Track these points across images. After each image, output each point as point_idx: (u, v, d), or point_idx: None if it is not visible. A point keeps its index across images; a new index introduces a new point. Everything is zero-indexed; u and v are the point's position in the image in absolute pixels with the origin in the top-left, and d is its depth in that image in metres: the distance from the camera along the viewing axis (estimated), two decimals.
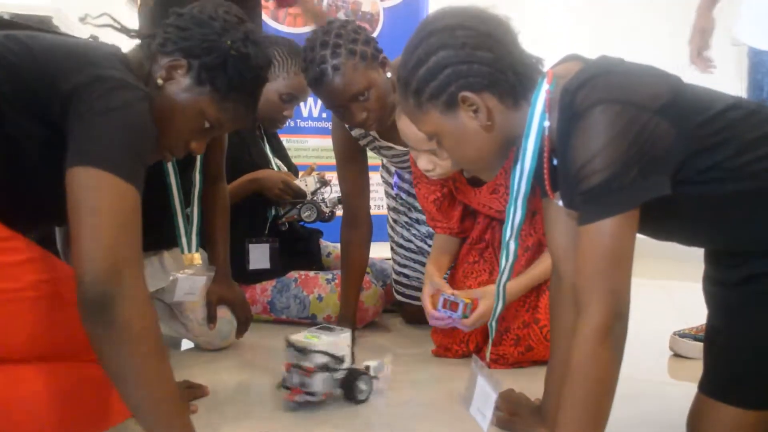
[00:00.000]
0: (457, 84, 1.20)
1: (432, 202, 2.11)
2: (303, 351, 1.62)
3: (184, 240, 1.86)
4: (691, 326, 2.16)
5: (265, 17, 3.62)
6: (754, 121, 1.18)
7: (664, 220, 1.19)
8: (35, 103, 1.21)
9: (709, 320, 1.37)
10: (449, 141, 1.28)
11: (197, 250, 1.89)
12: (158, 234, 1.81)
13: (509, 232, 1.34)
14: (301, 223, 2.53)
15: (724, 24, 2.48)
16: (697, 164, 1.15)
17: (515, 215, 1.29)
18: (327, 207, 2.45)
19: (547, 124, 1.20)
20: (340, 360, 1.64)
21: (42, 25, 2.11)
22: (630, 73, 1.19)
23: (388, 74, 1.94)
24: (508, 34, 1.23)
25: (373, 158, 2.36)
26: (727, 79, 2.37)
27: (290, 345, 1.63)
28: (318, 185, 2.47)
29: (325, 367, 1.62)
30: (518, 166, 1.25)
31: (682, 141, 1.13)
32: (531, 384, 1.63)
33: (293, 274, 2.44)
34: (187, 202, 1.87)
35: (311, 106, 3.64)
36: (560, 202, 1.29)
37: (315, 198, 2.43)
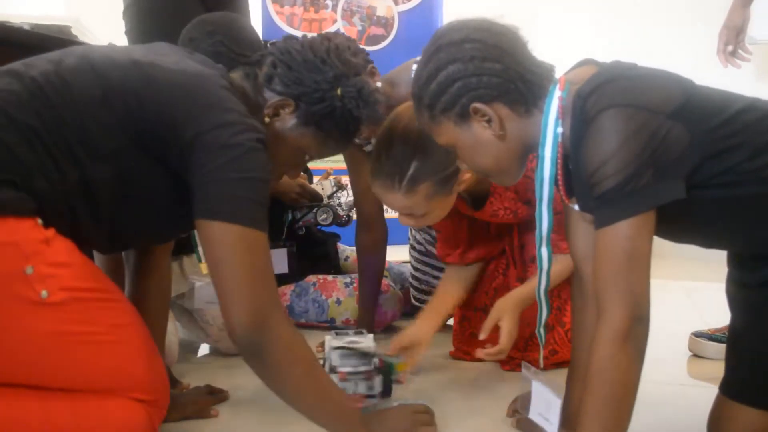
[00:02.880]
0: (468, 96, 1.21)
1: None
2: (365, 355, 1.64)
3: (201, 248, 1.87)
4: (710, 327, 2.14)
5: (280, 22, 3.64)
6: None
7: (682, 224, 1.19)
8: (153, 143, 1.25)
9: (732, 322, 1.36)
10: (465, 151, 1.29)
11: None
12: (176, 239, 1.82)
13: (539, 240, 1.33)
14: (318, 227, 2.54)
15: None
16: (712, 168, 1.14)
17: (542, 222, 1.29)
18: (343, 210, 2.46)
19: (560, 130, 1.20)
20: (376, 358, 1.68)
21: (61, 34, 2.14)
22: (642, 78, 1.19)
23: (378, 83, 1.93)
24: (517, 43, 1.24)
25: None
26: (744, 80, 2.36)
27: (342, 349, 1.64)
28: (334, 189, 2.48)
29: (377, 369, 1.66)
30: (538, 174, 1.25)
31: (696, 145, 1.13)
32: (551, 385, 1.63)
33: (312, 278, 2.45)
34: None
35: None
36: (576, 207, 1.29)
37: (331, 202, 2.45)
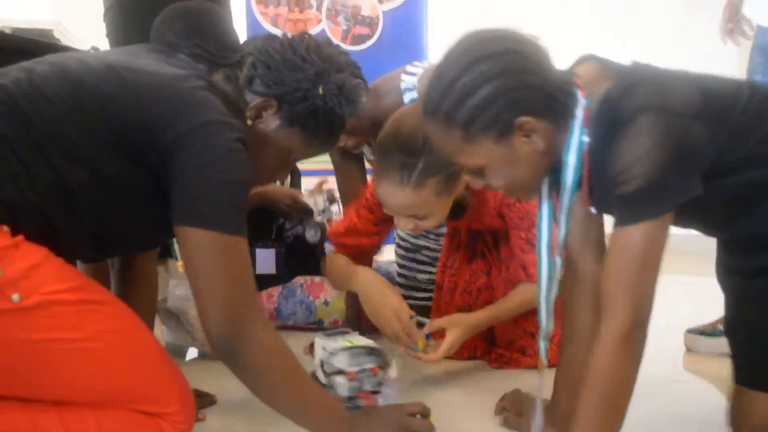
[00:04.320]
0: (513, 111, 1.16)
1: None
2: (374, 352, 1.64)
3: (177, 246, 1.86)
4: (704, 323, 2.16)
5: (264, 22, 3.63)
6: None
7: (688, 208, 1.20)
8: (132, 147, 1.23)
9: (728, 311, 1.39)
10: (499, 169, 1.23)
11: None
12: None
13: (555, 248, 1.31)
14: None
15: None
16: (725, 159, 1.19)
17: (560, 231, 1.29)
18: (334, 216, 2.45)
19: (586, 139, 1.20)
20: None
21: (43, 38, 2.13)
22: (667, 80, 1.22)
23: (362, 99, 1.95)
24: (545, 54, 1.20)
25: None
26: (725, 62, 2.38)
27: (351, 349, 1.63)
28: (327, 203, 2.47)
29: (383, 362, 1.67)
30: (561, 182, 1.24)
31: (714, 141, 1.17)
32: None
33: (299, 280, 2.44)
34: None
35: None
36: (593, 209, 1.31)
37: (321, 218, 2.44)
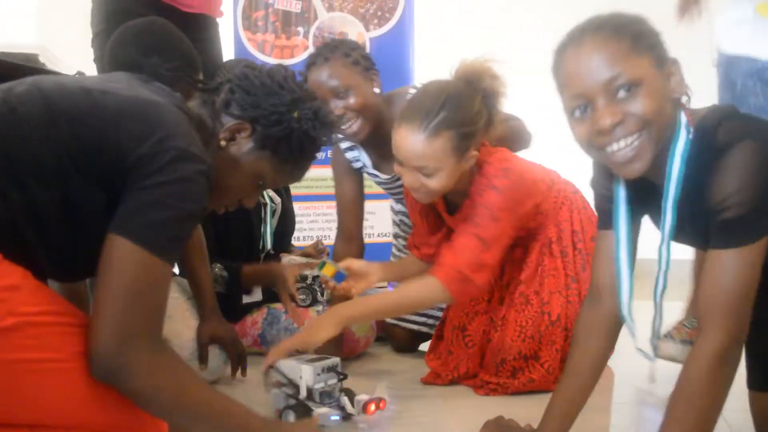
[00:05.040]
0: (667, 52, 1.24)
1: (418, 212, 2.13)
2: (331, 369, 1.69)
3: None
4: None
5: (251, 48, 3.64)
6: None
7: None
8: (100, 168, 1.21)
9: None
10: (653, 91, 1.21)
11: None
12: None
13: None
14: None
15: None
16: None
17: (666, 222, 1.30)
18: (321, 297, 2.42)
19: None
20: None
21: (28, 62, 2.12)
22: (751, 117, 1.31)
23: (376, 90, 2.12)
24: None
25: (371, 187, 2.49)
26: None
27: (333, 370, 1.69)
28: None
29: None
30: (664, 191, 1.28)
31: None
32: (522, 410, 1.62)
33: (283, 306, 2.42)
34: None
35: None
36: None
37: (314, 283, 2.43)
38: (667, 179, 1.26)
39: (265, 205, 2.47)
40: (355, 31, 3.68)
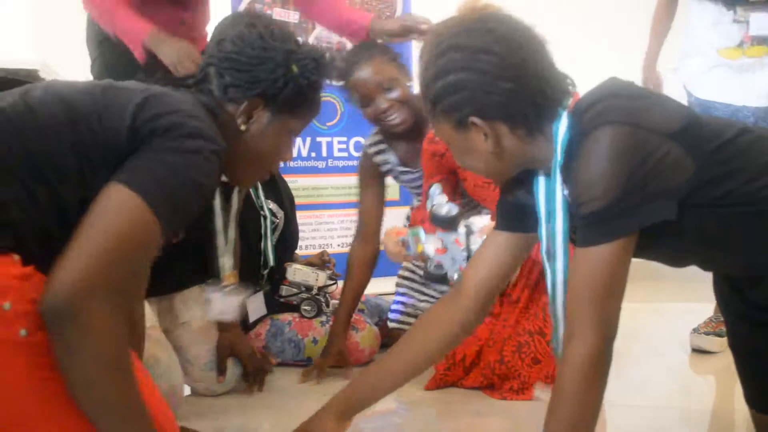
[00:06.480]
0: (470, 109, 1.18)
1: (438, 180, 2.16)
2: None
3: (224, 260, 1.94)
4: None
5: None
6: (765, 144, 1.19)
7: (682, 247, 1.20)
8: (120, 162, 1.17)
9: (733, 334, 1.43)
10: (457, 151, 1.27)
11: (235, 269, 1.98)
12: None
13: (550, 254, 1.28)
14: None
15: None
16: (710, 191, 1.14)
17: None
18: (326, 309, 2.44)
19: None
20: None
21: (30, 78, 2.13)
22: (641, 97, 1.19)
23: (409, 84, 2.23)
24: (539, 57, 1.19)
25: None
26: None
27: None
28: (327, 282, 2.50)
29: None
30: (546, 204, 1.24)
31: (695, 168, 1.13)
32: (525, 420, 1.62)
33: (287, 317, 2.43)
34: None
35: (300, 146, 3.66)
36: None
37: (319, 295, 2.44)
38: (553, 170, 1.21)
39: (265, 218, 2.46)
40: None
